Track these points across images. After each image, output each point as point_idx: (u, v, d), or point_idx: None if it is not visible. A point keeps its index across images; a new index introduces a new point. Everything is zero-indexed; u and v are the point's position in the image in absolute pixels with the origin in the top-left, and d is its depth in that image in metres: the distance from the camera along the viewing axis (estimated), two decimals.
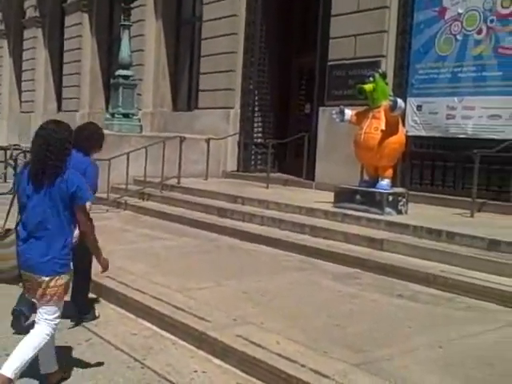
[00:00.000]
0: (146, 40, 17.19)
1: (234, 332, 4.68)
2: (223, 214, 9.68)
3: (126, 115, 13.40)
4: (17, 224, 3.87)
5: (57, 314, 3.89)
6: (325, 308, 5.45)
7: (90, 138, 5.20)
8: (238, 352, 4.38)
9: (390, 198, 8.33)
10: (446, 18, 10.03)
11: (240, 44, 14.02)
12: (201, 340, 4.70)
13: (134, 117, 13.68)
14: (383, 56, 10.79)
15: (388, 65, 10.65)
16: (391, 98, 8.35)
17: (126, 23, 13.56)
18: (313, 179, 11.75)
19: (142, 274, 6.42)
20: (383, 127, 8.44)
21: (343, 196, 8.83)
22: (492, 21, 9.42)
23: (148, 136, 13.23)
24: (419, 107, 10.25)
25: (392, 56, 10.80)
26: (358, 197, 8.61)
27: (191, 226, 9.42)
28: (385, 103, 8.51)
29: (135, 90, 13.84)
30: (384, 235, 7.56)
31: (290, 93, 14.04)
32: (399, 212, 8.39)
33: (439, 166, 10.13)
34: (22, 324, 4.88)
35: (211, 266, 6.97)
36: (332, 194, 9.67)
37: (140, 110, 15.52)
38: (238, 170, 13.84)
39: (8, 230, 4.03)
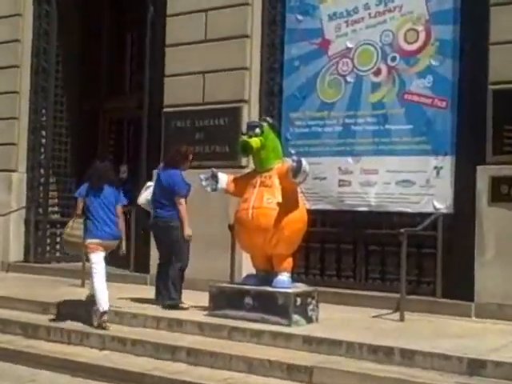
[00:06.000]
0: None
1: None
2: (34, 334, 7.80)
3: None
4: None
5: None
6: None
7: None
8: None
9: (299, 301, 7.07)
10: (331, 53, 9.33)
11: (25, 81, 12.29)
12: None
13: None
14: (245, 101, 9.79)
15: (252, 113, 9.68)
16: (294, 158, 7.25)
17: None
18: (147, 271, 10.13)
19: None
20: (280, 199, 7.27)
21: (224, 299, 7.40)
22: (394, 59, 8.87)
23: None
24: None
25: (256, 102, 9.84)
26: (247, 300, 7.23)
27: None
28: (278, 165, 7.43)
29: None
30: (308, 359, 6.22)
31: (101, 150, 12.47)
32: (309, 320, 7.16)
33: (331, 249, 9.23)
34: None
35: None
36: (184, 292, 8.44)
37: None
38: (26, 260, 11.94)
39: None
